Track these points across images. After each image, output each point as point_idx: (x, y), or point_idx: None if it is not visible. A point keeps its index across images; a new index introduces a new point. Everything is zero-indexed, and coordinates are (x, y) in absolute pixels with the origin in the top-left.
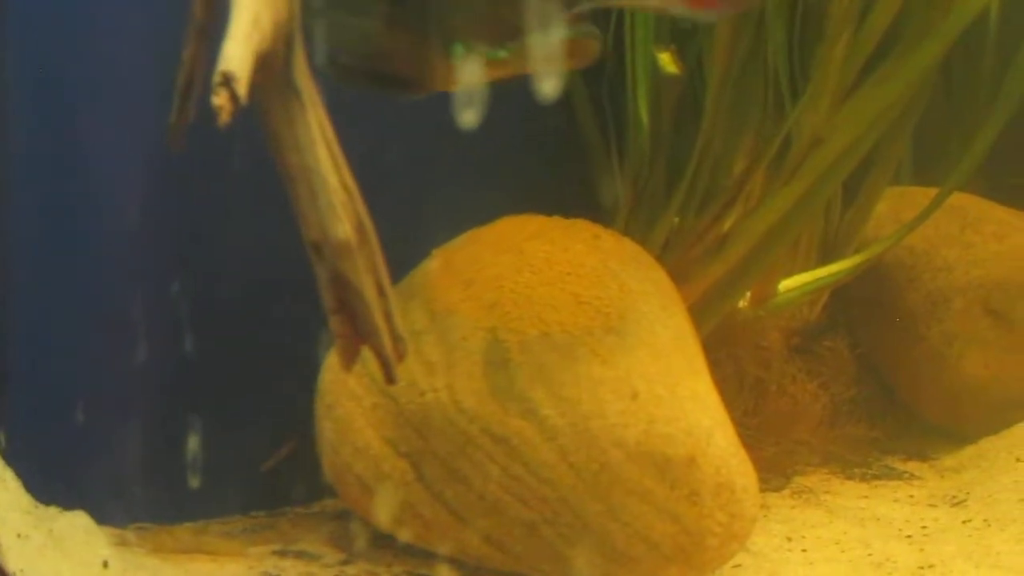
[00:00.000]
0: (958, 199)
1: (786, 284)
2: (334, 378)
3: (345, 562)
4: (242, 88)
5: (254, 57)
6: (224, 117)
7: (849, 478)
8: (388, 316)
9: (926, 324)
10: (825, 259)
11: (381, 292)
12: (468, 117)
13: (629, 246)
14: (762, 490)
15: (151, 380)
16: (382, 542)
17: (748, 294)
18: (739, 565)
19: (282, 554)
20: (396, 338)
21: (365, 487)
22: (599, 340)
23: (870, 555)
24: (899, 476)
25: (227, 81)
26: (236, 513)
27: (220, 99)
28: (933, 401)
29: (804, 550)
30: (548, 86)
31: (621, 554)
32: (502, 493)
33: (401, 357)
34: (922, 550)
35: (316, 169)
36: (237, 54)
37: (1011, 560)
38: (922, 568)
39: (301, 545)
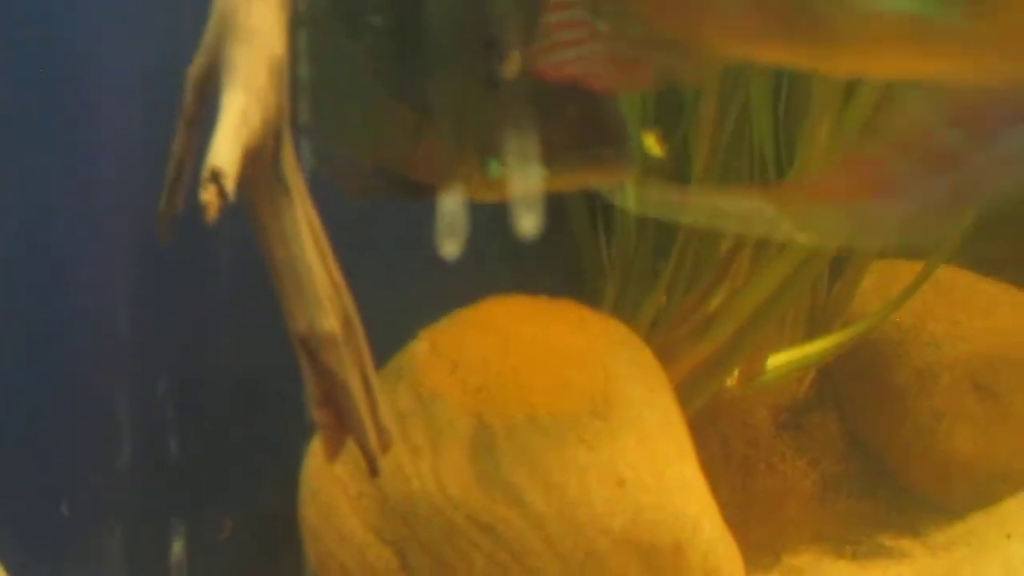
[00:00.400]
0: (945, 273)
1: (774, 361)
2: (319, 464)
3: None
4: (230, 184)
5: (243, 152)
6: (212, 213)
7: (840, 556)
8: (373, 409)
9: (914, 399)
10: (812, 334)
11: (367, 385)
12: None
13: (616, 327)
14: (751, 571)
15: (133, 479)
16: None
17: (736, 371)
18: None
19: None
20: (381, 431)
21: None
22: (585, 425)
23: None
24: (889, 554)
25: (215, 177)
26: None
27: (208, 195)
28: (923, 476)
29: None
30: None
31: None
32: None
33: (386, 449)
34: None
35: (303, 262)
36: (226, 149)
37: None
38: None
39: None
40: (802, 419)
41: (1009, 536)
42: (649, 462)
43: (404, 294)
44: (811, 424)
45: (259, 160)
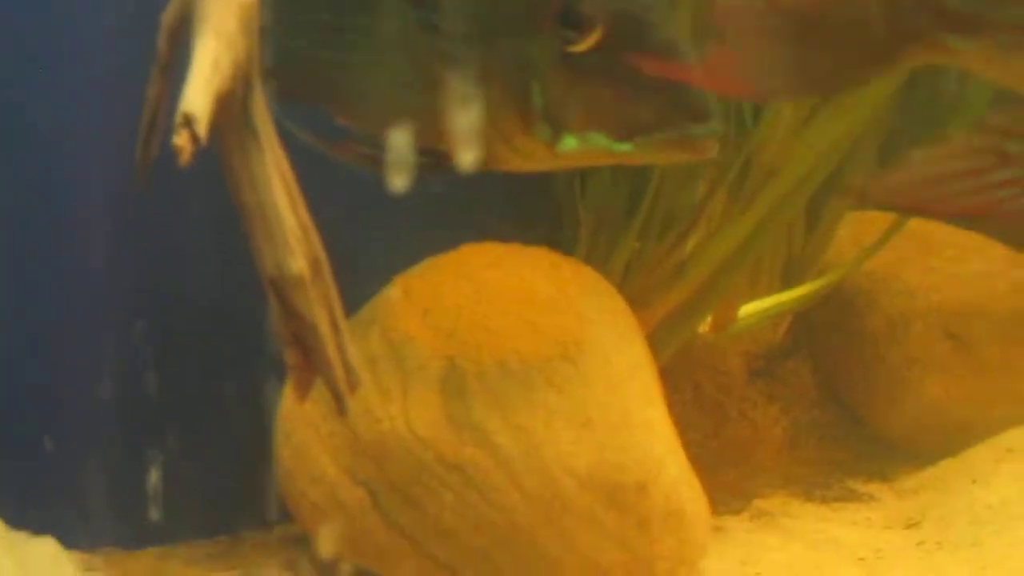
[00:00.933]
0: (919, 224)
1: (747, 309)
2: (292, 406)
3: None
4: (202, 129)
5: (214, 98)
6: (185, 157)
7: (809, 500)
8: (341, 349)
9: (887, 348)
10: (788, 284)
11: (335, 326)
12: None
13: (588, 274)
14: (721, 513)
15: (113, 411)
16: (336, 568)
17: (709, 319)
18: None
19: None
20: (349, 371)
21: (321, 514)
22: (554, 368)
23: None
24: (859, 498)
25: (188, 122)
26: (200, 538)
27: (181, 140)
28: (894, 423)
29: (758, 573)
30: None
31: None
32: (456, 520)
33: (353, 389)
34: (873, 573)
35: (272, 206)
36: (198, 96)
37: None
38: None
39: (260, 570)
40: (776, 367)
41: (974, 481)
42: (616, 405)
43: (388, 245)
44: (785, 372)
45: (229, 105)
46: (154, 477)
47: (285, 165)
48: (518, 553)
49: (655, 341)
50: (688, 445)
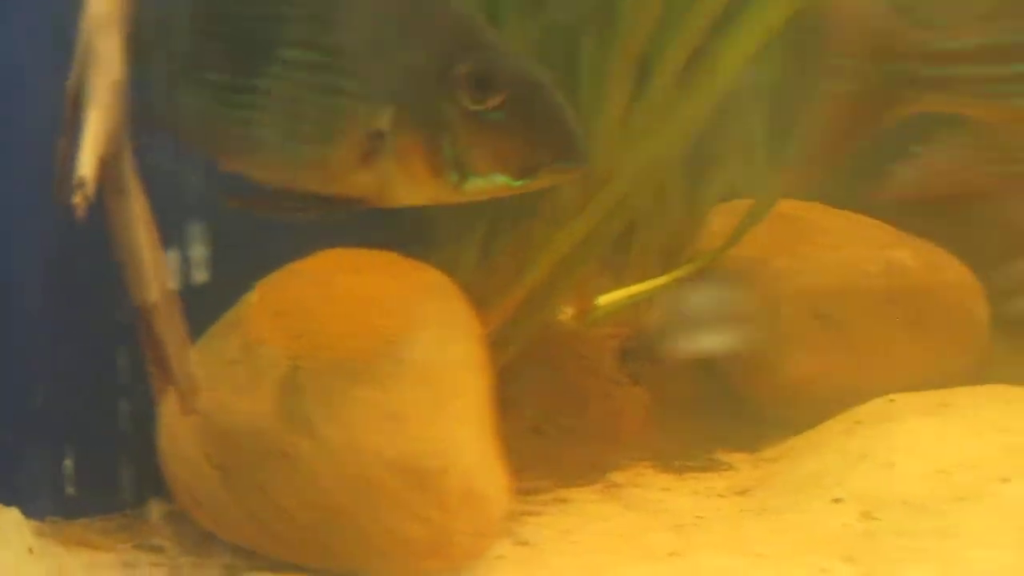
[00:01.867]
0: (793, 207)
1: (606, 299)
2: (168, 403)
3: (180, 554)
4: (91, 189)
5: (98, 161)
6: (80, 212)
7: (666, 471)
8: (184, 363)
9: (759, 327)
10: (667, 270)
11: (181, 343)
12: None
13: (431, 277)
14: (574, 486)
15: (48, 414)
16: (207, 538)
17: (570, 310)
18: (502, 556)
19: (139, 547)
20: (190, 380)
21: (190, 493)
22: (378, 366)
23: (633, 546)
24: (717, 468)
25: (82, 185)
26: (111, 512)
27: (78, 199)
28: (766, 397)
29: (576, 542)
30: None
31: (385, 552)
32: (289, 500)
33: (192, 394)
34: (682, 538)
35: (137, 247)
36: (88, 162)
37: (760, 547)
38: (671, 555)
39: (153, 540)
40: (652, 347)
41: (816, 451)
42: (426, 399)
43: (277, 261)
44: (661, 351)
45: (108, 166)
46: (75, 463)
47: (147, 213)
48: (339, 529)
49: (501, 336)
50: (552, 428)
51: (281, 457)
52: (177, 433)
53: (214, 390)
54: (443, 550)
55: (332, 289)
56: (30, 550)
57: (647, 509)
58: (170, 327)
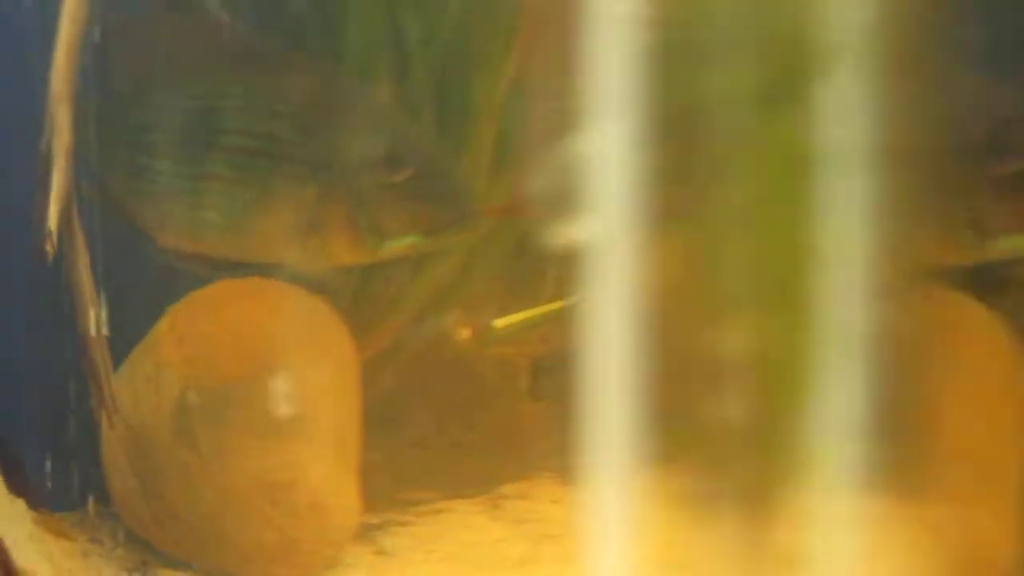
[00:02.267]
0: None
1: (501, 321)
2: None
3: (116, 547)
4: (55, 238)
5: (59, 215)
6: (49, 256)
7: (561, 483)
8: (109, 386)
9: None
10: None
11: (106, 370)
12: None
13: (314, 305)
14: (459, 498)
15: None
16: (138, 535)
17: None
18: (354, 564)
19: (91, 540)
20: (112, 400)
21: (121, 496)
22: (254, 389)
23: (486, 555)
24: None
25: (50, 235)
26: (74, 510)
27: (48, 246)
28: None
29: (432, 551)
30: None
31: (247, 556)
32: (181, 507)
33: (113, 413)
34: (540, 549)
35: (80, 285)
36: (54, 215)
37: None
38: (518, 564)
39: (100, 534)
40: (554, 364)
41: None
42: (287, 419)
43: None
44: (565, 367)
45: (63, 216)
46: (52, 465)
47: (86, 260)
48: (216, 535)
49: (381, 357)
50: (438, 440)
51: (176, 468)
52: (112, 443)
53: (136, 406)
54: (294, 558)
55: (222, 315)
56: (30, 536)
57: (521, 520)
58: (100, 356)
